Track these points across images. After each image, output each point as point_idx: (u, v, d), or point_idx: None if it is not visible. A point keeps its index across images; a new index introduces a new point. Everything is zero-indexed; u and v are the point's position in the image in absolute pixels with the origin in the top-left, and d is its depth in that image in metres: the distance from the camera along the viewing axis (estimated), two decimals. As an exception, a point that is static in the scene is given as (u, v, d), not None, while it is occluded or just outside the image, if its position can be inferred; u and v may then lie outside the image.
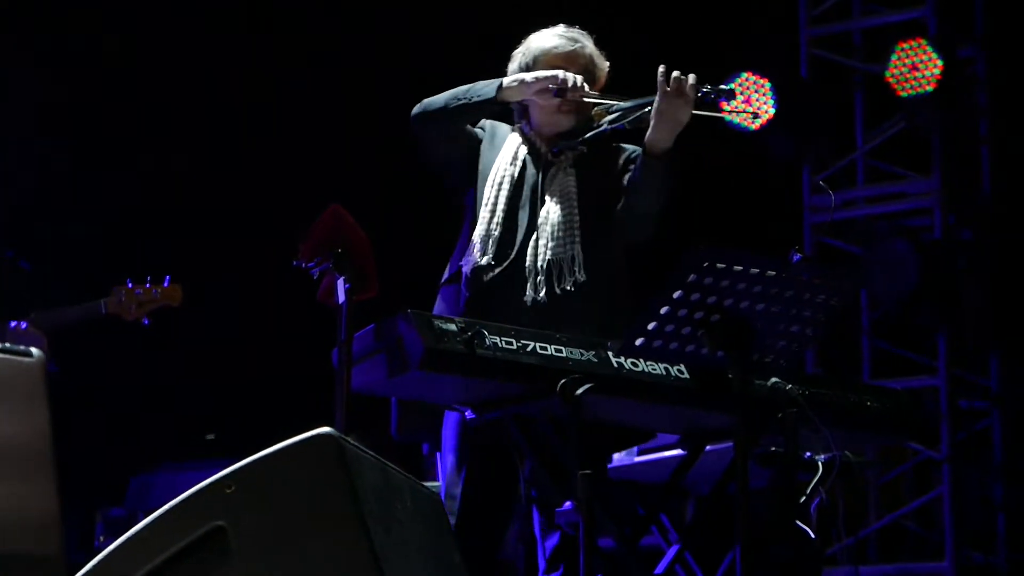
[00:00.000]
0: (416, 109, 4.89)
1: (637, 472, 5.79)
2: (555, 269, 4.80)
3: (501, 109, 4.98)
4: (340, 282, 4.47)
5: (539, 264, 4.80)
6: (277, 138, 8.80)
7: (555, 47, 4.99)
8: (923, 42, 8.37)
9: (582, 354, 4.38)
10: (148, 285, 6.31)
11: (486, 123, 5.03)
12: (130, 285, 6.28)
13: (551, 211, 4.84)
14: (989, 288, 8.60)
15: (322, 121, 8.65)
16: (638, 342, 4.27)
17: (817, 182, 8.95)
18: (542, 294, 4.78)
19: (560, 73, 4.83)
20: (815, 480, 4.82)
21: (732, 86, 4.80)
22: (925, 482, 8.92)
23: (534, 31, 5.04)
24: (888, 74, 8.43)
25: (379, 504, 3.05)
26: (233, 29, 8.84)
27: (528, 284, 4.79)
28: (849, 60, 9.08)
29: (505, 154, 4.93)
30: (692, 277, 4.16)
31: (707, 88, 4.73)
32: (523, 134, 4.99)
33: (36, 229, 6.48)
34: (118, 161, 8.57)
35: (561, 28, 5.03)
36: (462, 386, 4.37)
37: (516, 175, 4.89)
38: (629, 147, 5.00)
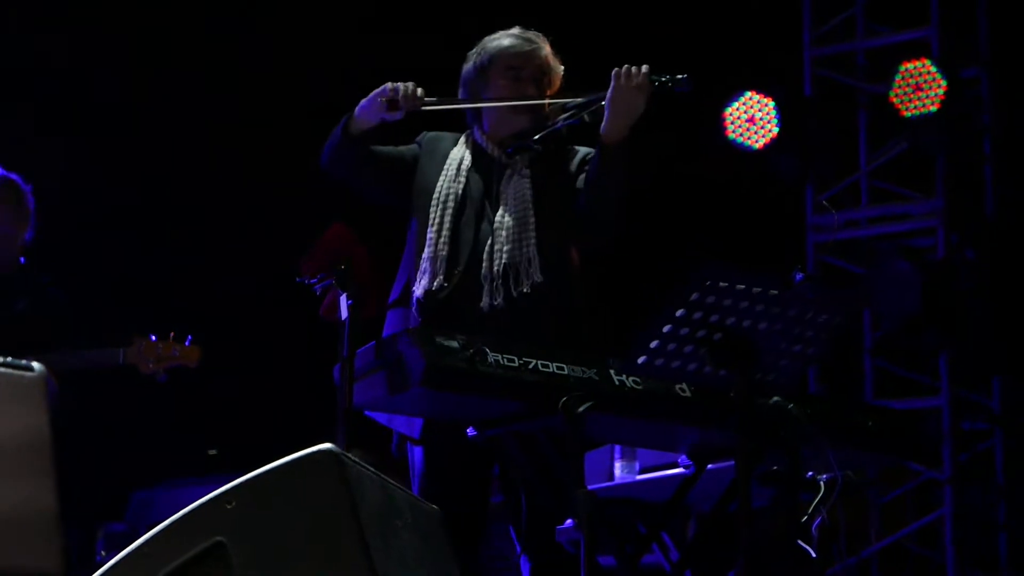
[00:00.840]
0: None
1: (639, 490, 5.78)
2: (511, 272, 4.79)
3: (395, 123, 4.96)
4: (343, 298, 4.47)
5: (495, 268, 4.78)
6: (281, 154, 8.80)
7: (511, 46, 4.99)
8: (927, 62, 8.37)
9: (584, 372, 4.37)
10: (170, 340, 6.33)
11: (425, 137, 5.03)
12: (153, 339, 6.29)
13: (506, 215, 4.83)
14: (992, 308, 8.59)
15: (325, 137, 8.66)
16: (640, 360, 4.26)
17: (820, 201, 8.95)
18: (499, 299, 4.76)
19: (388, 84, 4.80)
20: (817, 500, 4.81)
21: (687, 76, 4.77)
22: (927, 502, 8.90)
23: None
24: (892, 94, 8.43)
25: (379, 520, 3.04)
26: (227, 54, 8.85)
27: (484, 291, 4.78)
28: (853, 80, 9.08)
29: (448, 170, 4.92)
30: (695, 295, 4.16)
31: (664, 78, 4.73)
32: (473, 140, 4.99)
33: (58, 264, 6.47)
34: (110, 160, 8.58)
35: (517, 29, 5.04)
36: (463, 403, 4.36)
37: (460, 191, 4.88)
38: (583, 148, 4.99)
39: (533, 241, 4.79)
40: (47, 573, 2.67)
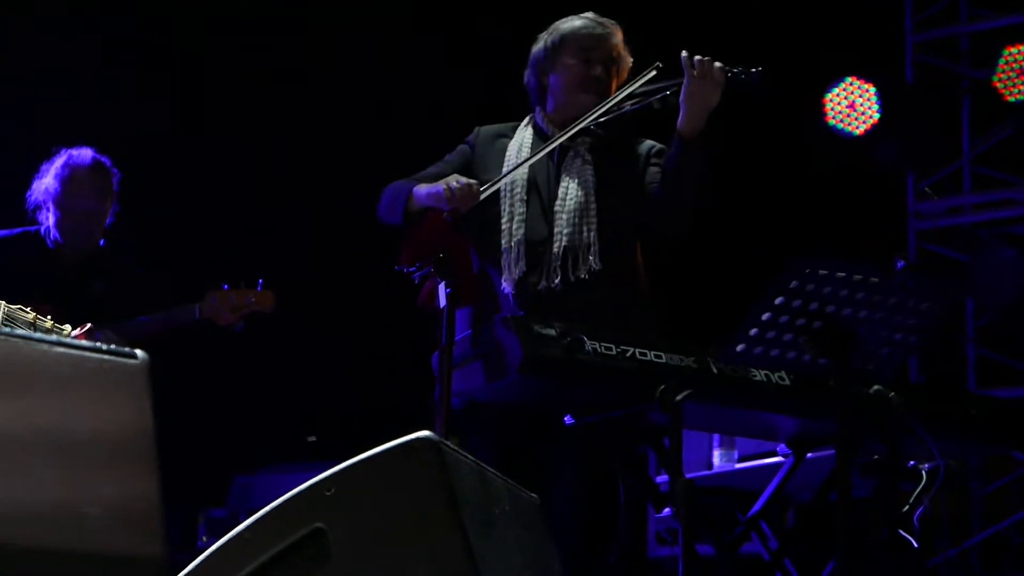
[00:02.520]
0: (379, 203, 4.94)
1: (738, 479, 5.76)
2: (570, 255, 4.78)
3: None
4: (441, 287, 4.48)
5: (554, 250, 4.78)
6: (384, 143, 8.84)
7: (583, 27, 4.97)
8: (1031, 46, 8.27)
9: (681, 360, 4.36)
10: (242, 288, 6.31)
11: (479, 135, 5.01)
12: (225, 288, 6.28)
13: (567, 197, 4.82)
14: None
15: (431, 130, 8.69)
16: (739, 348, 4.24)
17: (922, 188, 8.86)
18: (556, 281, 4.76)
19: (445, 188, 4.70)
20: (918, 490, 4.77)
21: (760, 69, 4.73)
22: (1031, 493, 8.80)
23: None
24: (995, 79, 8.33)
25: (478, 508, 3.05)
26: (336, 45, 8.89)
27: (543, 272, 4.77)
28: (955, 65, 8.98)
29: (509, 158, 4.89)
30: (794, 283, 4.14)
31: (736, 70, 4.70)
32: (534, 122, 4.98)
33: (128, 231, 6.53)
34: (216, 153, 8.64)
35: (591, 14, 5.03)
36: (560, 391, 4.37)
37: (525, 176, 4.87)
38: (647, 141, 4.97)
39: (594, 227, 4.78)
40: (149, 558, 2.70)
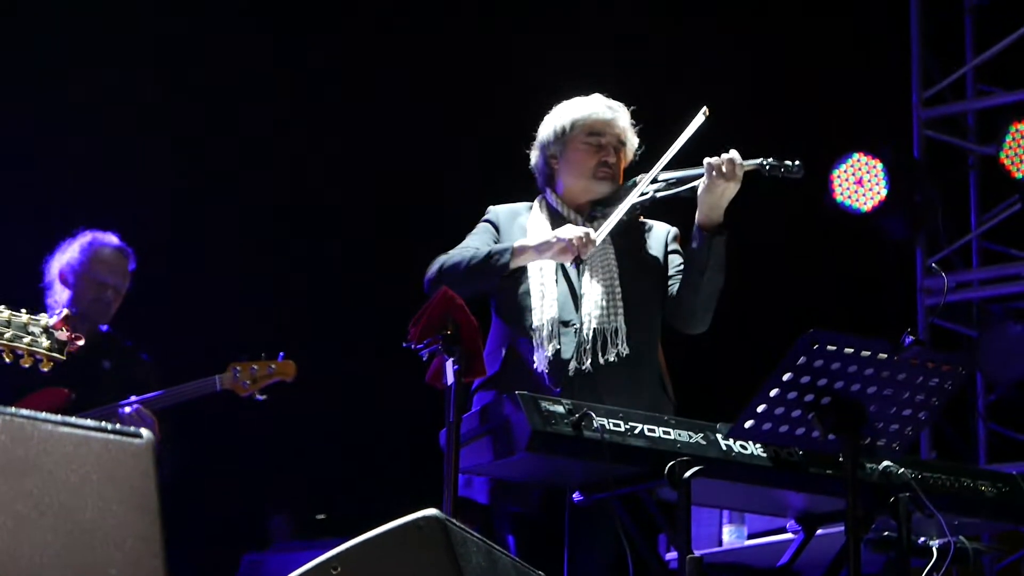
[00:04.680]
0: (426, 278, 4.90)
1: (747, 555, 5.73)
2: (599, 339, 4.79)
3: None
4: (449, 363, 4.48)
5: (585, 333, 4.79)
6: (387, 218, 8.87)
7: (594, 112, 5.01)
8: (1038, 123, 8.28)
9: (690, 436, 4.35)
10: (263, 360, 6.35)
11: (498, 214, 5.03)
12: (246, 360, 6.33)
13: (593, 282, 4.84)
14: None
15: (430, 201, 8.72)
16: (747, 425, 4.24)
17: (930, 264, 8.86)
18: (587, 364, 4.77)
19: (562, 241, 4.76)
20: (929, 566, 4.74)
21: (799, 163, 4.80)
22: (1043, 569, 8.75)
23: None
24: (1002, 155, 8.34)
25: (485, 586, 3.04)
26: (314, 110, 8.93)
27: (573, 355, 4.77)
28: (962, 141, 9.01)
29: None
30: (802, 359, 4.14)
31: (775, 162, 4.75)
32: (547, 204, 5.00)
33: (142, 309, 6.56)
34: (220, 232, 8.65)
35: (599, 96, 5.06)
36: (569, 468, 4.36)
37: (555, 262, 4.88)
38: (661, 225, 5.00)
39: (621, 312, 4.81)
40: (156, 638, 2.69)
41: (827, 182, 8.56)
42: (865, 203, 8.55)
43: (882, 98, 9.13)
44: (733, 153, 4.76)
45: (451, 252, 4.93)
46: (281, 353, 6.38)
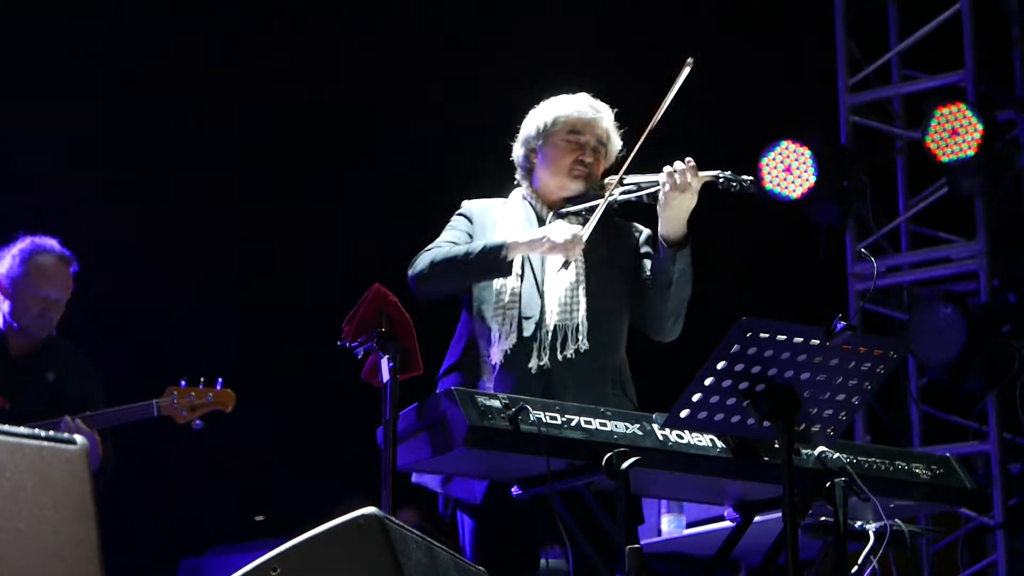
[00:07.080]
0: (414, 274, 4.87)
1: (686, 544, 5.76)
2: (559, 335, 4.80)
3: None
4: (384, 361, 4.47)
5: (544, 330, 4.79)
6: (318, 217, 8.85)
7: (577, 111, 5.01)
8: (962, 107, 8.34)
9: (627, 427, 4.37)
10: (201, 387, 6.28)
11: (472, 210, 5.03)
12: (183, 385, 6.24)
13: (557, 277, 4.84)
14: (1037, 351, 8.53)
15: (364, 199, 8.70)
16: (683, 414, 4.25)
17: (860, 249, 8.91)
18: (545, 360, 4.77)
19: (547, 241, 4.77)
20: (866, 550, 4.78)
21: (753, 179, 4.84)
22: (979, 549, 8.82)
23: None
24: (928, 139, 8.41)
25: (426, 583, 3.04)
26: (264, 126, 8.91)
27: (533, 351, 4.78)
28: (889, 126, 9.07)
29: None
30: (736, 347, 4.15)
31: (728, 176, 4.77)
32: (522, 199, 5.00)
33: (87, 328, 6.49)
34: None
35: (585, 95, 5.06)
36: (507, 462, 4.36)
37: (521, 257, 4.88)
38: (636, 227, 5.01)
39: (583, 309, 4.81)
40: (95, 645, 2.67)
41: (756, 170, 8.59)
42: (794, 190, 8.60)
43: (808, 85, 9.18)
44: (689, 161, 4.75)
45: (434, 247, 4.89)
46: (220, 380, 6.32)
